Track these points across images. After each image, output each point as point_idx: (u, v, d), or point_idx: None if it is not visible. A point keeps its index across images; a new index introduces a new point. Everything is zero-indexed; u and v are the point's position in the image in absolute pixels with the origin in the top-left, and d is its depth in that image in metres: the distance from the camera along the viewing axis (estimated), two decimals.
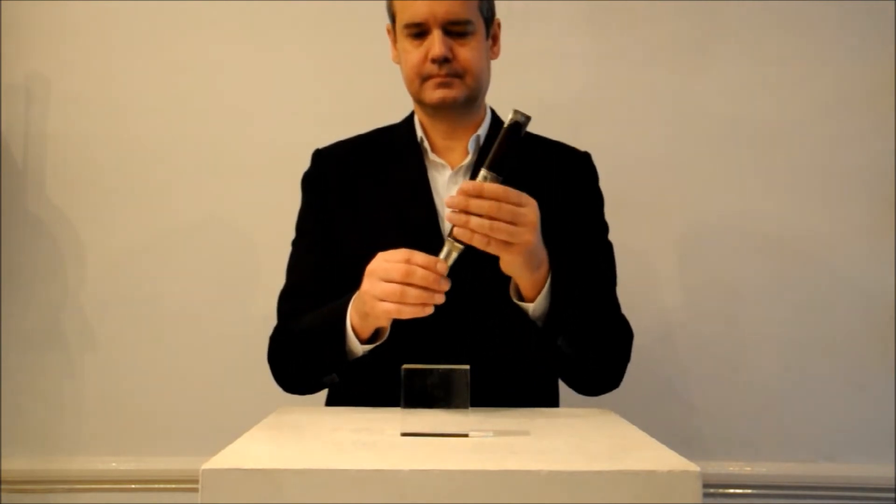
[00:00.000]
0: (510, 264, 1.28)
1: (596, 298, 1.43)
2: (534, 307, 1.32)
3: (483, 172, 1.21)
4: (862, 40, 2.12)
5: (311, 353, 1.40)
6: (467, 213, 1.18)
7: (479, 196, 1.17)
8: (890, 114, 2.11)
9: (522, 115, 1.22)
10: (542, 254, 1.29)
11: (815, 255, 2.11)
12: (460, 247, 1.20)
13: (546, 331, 1.34)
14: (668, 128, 2.13)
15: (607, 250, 1.56)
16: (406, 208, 1.50)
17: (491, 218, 1.18)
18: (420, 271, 1.18)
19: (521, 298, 1.34)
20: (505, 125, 1.23)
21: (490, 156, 1.21)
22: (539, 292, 1.31)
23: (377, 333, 1.33)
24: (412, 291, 1.19)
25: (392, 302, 1.20)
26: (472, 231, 1.18)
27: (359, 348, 1.33)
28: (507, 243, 1.21)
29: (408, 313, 1.20)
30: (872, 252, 2.10)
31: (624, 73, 2.13)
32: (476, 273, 1.44)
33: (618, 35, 2.14)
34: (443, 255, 1.21)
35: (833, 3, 2.11)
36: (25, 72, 2.13)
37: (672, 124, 2.13)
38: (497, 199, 1.18)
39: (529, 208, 1.21)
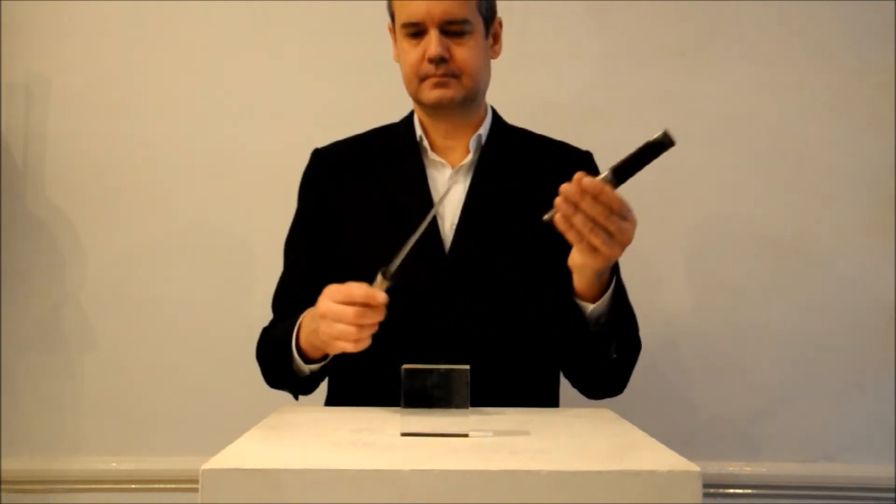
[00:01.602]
0: (583, 266, 1.27)
1: (629, 309, 1.45)
2: (593, 308, 1.33)
3: (608, 174, 1.18)
4: (862, 40, 2.12)
5: (272, 368, 1.47)
6: (577, 207, 1.17)
7: (596, 198, 1.17)
8: (890, 114, 2.11)
9: (669, 137, 1.17)
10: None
11: (814, 255, 2.11)
12: (387, 283, 1.22)
13: (601, 337, 1.35)
14: (668, 128, 2.12)
15: None
16: (405, 207, 1.50)
17: (595, 222, 1.18)
18: (369, 313, 1.21)
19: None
20: (651, 140, 1.18)
21: (621, 161, 1.18)
22: (595, 294, 1.32)
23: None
24: (366, 332, 1.22)
25: (349, 342, 1.23)
26: (571, 225, 1.19)
27: (305, 368, 1.38)
28: (595, 249, 1.21)
29: (362, 347, 1.24)
30: (872, 252, 2.10)
31: (625, 72, 2.13)
32: (477, 274, 1.45)
33: (618, 35, 2.14)
34: (376, 283, 1.22)
35: (833, 3, 2.11)
36: (25, 72, 2.13)
37: (672, 124, 2.11)
38: (609, 207, 1.18)
39: (630, 225, 1.21)
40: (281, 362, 1.42)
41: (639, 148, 1.18)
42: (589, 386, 1.47)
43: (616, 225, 1.18)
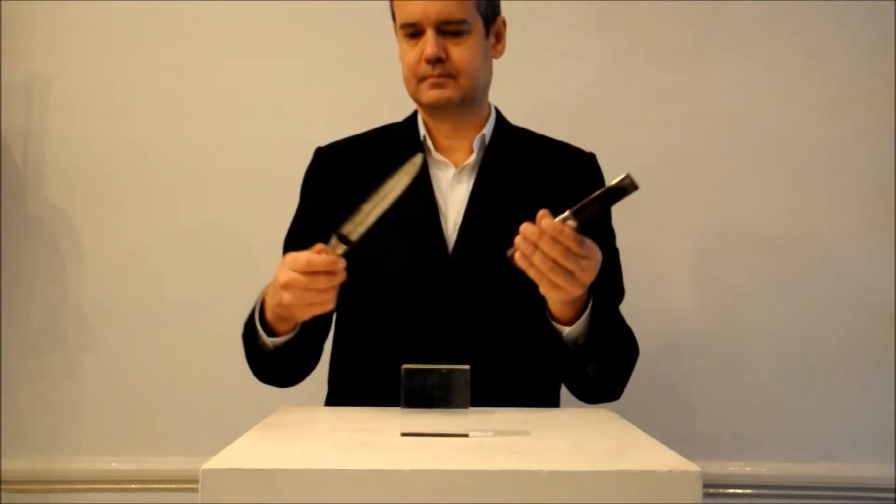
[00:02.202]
0: (550, 298, 1.30)
1: (617, 321, 1.45)
2: (569, 331, 1.34)
3: (567, 215, 1.19)
4: (862, 40, 2.11)
5: (247, 352, 1.46)
6: (535, 247, 1.20)
7: (555, 238, 1.18)
8: (890, 114, 2.11)
9: (632, 181, 1.17)
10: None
11: (814, 255, 2.11)
12: (344, 246, 1.23)
13: (579, 356, 1.35)
14: (669, 128, 2.12)
15: (615, 260, 1.55)
16: (407, 206, 1.49)
17: (554, 262, 1.19)
18: (334, 278, 1.23)
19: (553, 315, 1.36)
20: (612, 184, 1.18)
21: (580, 204, 1.19)
22: (571, 317, 1.33)
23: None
24: (334, 293, 1.25)
25: (322, 305, 1.25)
26: (532, 264, 1.21)
27: (268, 342, 1.38)
28: (556, 286, 1.23)
29: (333, 307, 1.27)
30: (872, 252, 2.10)
31: (626, 72, 2.13)
32: (478, 274, 1.45)
33: (620, 35, 2.14)
34: (331, 245, 1.23)
35: (833, 3, 2.11)
36: (25, 72, 2.13)
37: (673, 124, 2.13)
38: (568, 247, 1.19)
39: (592, 263, 1.23)
40: (250, 342, 1.42)
41: (601, 191, 1.19)
42: (582, 394, 1.47)
43: (575, 264, 1.20)
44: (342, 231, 1.22)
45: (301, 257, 1.22)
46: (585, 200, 1.19)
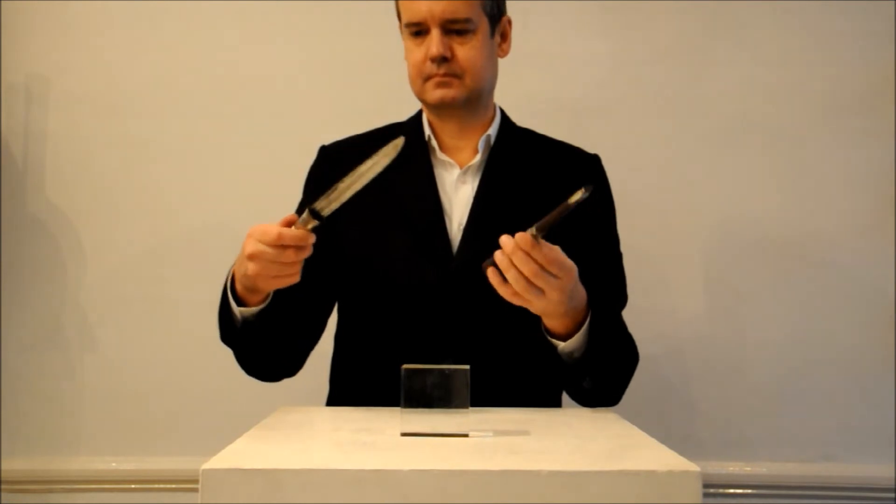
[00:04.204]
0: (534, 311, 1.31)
1: (617, 330, 1.44)
2: (563, 346, 1.34)
3: (532, 230, 1.21)
4: (862, 40, 2.12)
5: (221, 329, 1.43)
6: (510, 261, 1.21)
7: (529, 255, 1.20)
8: (890, 114, 2.11)
9: (581, 193, 1.19)
10: (574, 301, 1.29)
11: (814, 255, 2.11)
12: (315, 222, 1.22)
13: (575, 369, 1.35)
14: (670, 128, 2.12)
15: (618, 265, 1.55)
16: (412, 206, 1.49)
17: (527, 280, 1.21)
18: (303, 252, 1.24)
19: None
20: (572, 200, 1.19)
21: (545, 219, 1.20)
22: (566, 331, 1.33)
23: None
24: (300, 265, 1.25)
25: (290, 277, 1.26)
26: (503, 281, 1.23)
27: (237, 312, 1.36)
28: (528, 302, 1.25)
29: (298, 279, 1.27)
30: (873, 252, 2.10)
31: (628, 72, 2.13)
32: (482, 275, 1.44)
33: (621, 35, 2.14)
34: (301, 221, 1.23)
35: (833, 3, 2.11)
36: (25, 72, 2.13)
37: (675, 124, 2.13)
38: (541, 265, 1.21)
39: (564, 281, 1.24)
40: (224, 320, 1.40)
41: (564, 207, 1.19)
42: (579, 400, 1.47)
43: (546, 282, 1.22)
44: (315, 206, 1.21)
45: (271, 230, 1.22)
46: (550, 214, 1.20)
